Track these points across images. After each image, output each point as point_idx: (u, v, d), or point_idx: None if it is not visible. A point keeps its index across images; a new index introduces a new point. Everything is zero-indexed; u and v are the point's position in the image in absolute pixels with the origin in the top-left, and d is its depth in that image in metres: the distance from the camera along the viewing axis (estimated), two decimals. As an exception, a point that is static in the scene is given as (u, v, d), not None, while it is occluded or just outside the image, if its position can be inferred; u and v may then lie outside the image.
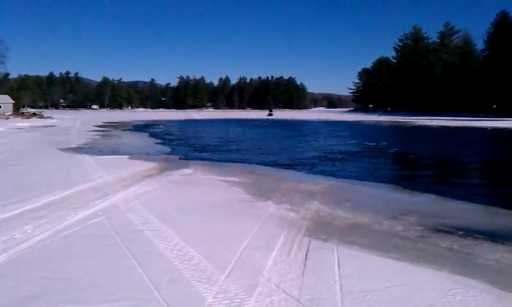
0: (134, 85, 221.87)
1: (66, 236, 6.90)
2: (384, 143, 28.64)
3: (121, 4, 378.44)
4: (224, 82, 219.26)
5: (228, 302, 4.67)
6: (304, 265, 5.80)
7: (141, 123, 61.77)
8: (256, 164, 17.28)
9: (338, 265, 5.86)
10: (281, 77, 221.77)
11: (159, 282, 5.13)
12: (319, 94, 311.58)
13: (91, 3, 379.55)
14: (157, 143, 27.80)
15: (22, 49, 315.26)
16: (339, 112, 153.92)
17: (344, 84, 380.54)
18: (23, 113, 75.18)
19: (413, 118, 78.99)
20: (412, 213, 9.04)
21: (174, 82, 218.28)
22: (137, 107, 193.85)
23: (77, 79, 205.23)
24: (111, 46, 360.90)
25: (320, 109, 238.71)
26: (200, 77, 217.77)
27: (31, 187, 10.78)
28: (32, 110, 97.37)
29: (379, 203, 10.37)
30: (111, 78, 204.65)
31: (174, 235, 7.06)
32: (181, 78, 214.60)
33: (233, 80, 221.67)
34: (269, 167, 16.12)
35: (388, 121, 68.52)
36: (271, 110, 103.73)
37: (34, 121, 53.62)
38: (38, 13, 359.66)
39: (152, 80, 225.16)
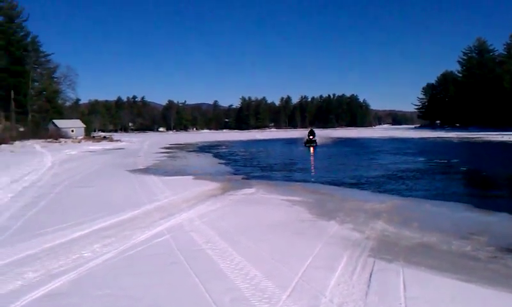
0: (198, 107, 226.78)
1: (132, 255, 7.09)
2: (455, 160, 27.60)
3: (184, 31, 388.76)
4: (286, 101, 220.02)
5: (289, 323, 4.62)
6: (368, 287, 5.65)
7: (206, 144, 62.87)
8: (320, 183, 17.12)
9: (404, 286, 5.66)
10: (344, 95, 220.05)
11: (221, 301, 5.15)
12: (383, 111, 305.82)
13: (155, 31, 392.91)
14: (220, 163, 28.15)
15: (91, 75, 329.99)
16: (405, 129, 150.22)
17: (409, 100, 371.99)
18: (94, 137, 78.51)
19: (484, 133, 75.79)
20: (483, 233, 8.62)
21: (236, 104, 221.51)
22: (202, 129, 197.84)
23: (144, 103, 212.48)
24: (175, 70, 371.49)
25: (385, 126, 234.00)
26: (262, 97, 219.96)
27: (100, 208, 11.19)
28: (103, 133, 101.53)
29: (448, 222, 9.95)
30: (175, 102, 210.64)
31: (236, 254, 7.09)
32: (243, 99, 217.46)
33: (295, 100, 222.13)
34: (332, 186, 15.92)
35: (457, 137, 66.15)
36: (312, 133, 52.18)
37: (105, 144, 55.75)
38: (105, 40, 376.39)
39: (215, 102, 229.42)
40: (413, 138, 71.03)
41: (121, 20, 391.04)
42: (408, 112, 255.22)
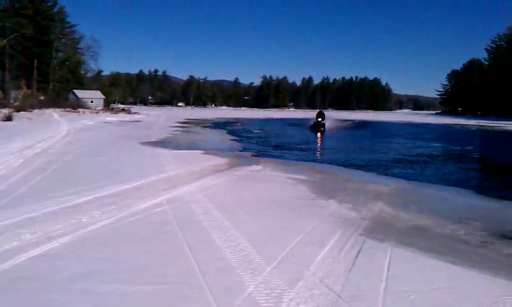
0: (218, 84, 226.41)
1: (129, 222, 7.28)
2: (469, 147, 27.41)
3: (206, 6, 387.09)
4: (307, 82, 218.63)
5: (268, 291, 4.76)
6: (353, 263, 5.76)
7: (222, 120, 62.93)
8: (328, 163, 17.16)
9: (389, 265, 5.76)
10: (366, 78, 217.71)
11: (206, 269, 5.31)
12: (405, 96, 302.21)
13: (179, 6, 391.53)
14: (232, 140, 28.30)
15: (114, 48, 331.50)
16: (425, 114, 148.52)
17: (432, 86, 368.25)
18: (112, 108, 79.23)
19: (504, 122, 74.58)
20: (480, 218, 8.64)
21: (257, 82, 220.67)
22: (221, 106, 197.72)
23: (165, 77, 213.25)
24: (198, 46, 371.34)
25: (406, 111, 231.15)
26: (283, 76, 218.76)
27: (106, 176, 11.41)
28: (122, 105, 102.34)
29: (447, 206, 9.99)
30: (196, 77, 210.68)
31: (230, 226, 7.23)
32: (264, 77, 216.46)
33: (317, 80, 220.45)
34: (339, 167, 15.96)
35: (476, 125, 65.34)
36: (321, 114, 42.91)
37: (122, 116, 56.23)
38: (129, 13, 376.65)
39: (236, 79, 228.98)
40: (431, 124, 70.37)
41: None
42: (431, 98, 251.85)
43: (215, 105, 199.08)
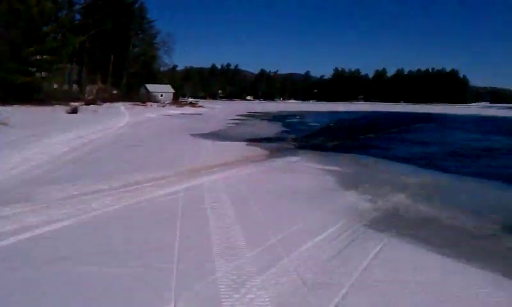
0: (289, 77, 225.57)
1: (135, 208, 7.52)
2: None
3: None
4: (380, 74, 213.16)
5: (235, 278, 4.80)
6: (339, 252, 5.70)
7: (283, 113, 62.37)
8: (372, 155, 16.75)
9: (376, 254, 5.66)
10: (444, 69, 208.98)
11: (185, 256, 5.41)
12: (484, 88, 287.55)
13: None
14: (284, 132, 28.34)
15: (189, 43, 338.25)
16: (500, 108, 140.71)
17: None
18: (180, 102, 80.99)
19: None
20: (503, 211, 8.24)
21: (328, 74, 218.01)
22: (289, 99, 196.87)
23: (237, 71, 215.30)
24: (269, 39, 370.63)
25: (482, 104, 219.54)
26: (355, 69, 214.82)
27: (138, 166, 11.79)
28: (190, 99, 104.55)
29: (474, 200, 9.70)
30: (267, 71, 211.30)
31: (233, 215, 7.29)
32: (336, 70, 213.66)
33: (391, 72, 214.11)
34: (379, 159, 15.59)
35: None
36: None
37: (186, 110, 57.40)
38: (204, 9, 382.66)
39: (307, 72, 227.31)
40: (506, 117, 66.56)
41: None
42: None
43: (283, 99, 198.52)
